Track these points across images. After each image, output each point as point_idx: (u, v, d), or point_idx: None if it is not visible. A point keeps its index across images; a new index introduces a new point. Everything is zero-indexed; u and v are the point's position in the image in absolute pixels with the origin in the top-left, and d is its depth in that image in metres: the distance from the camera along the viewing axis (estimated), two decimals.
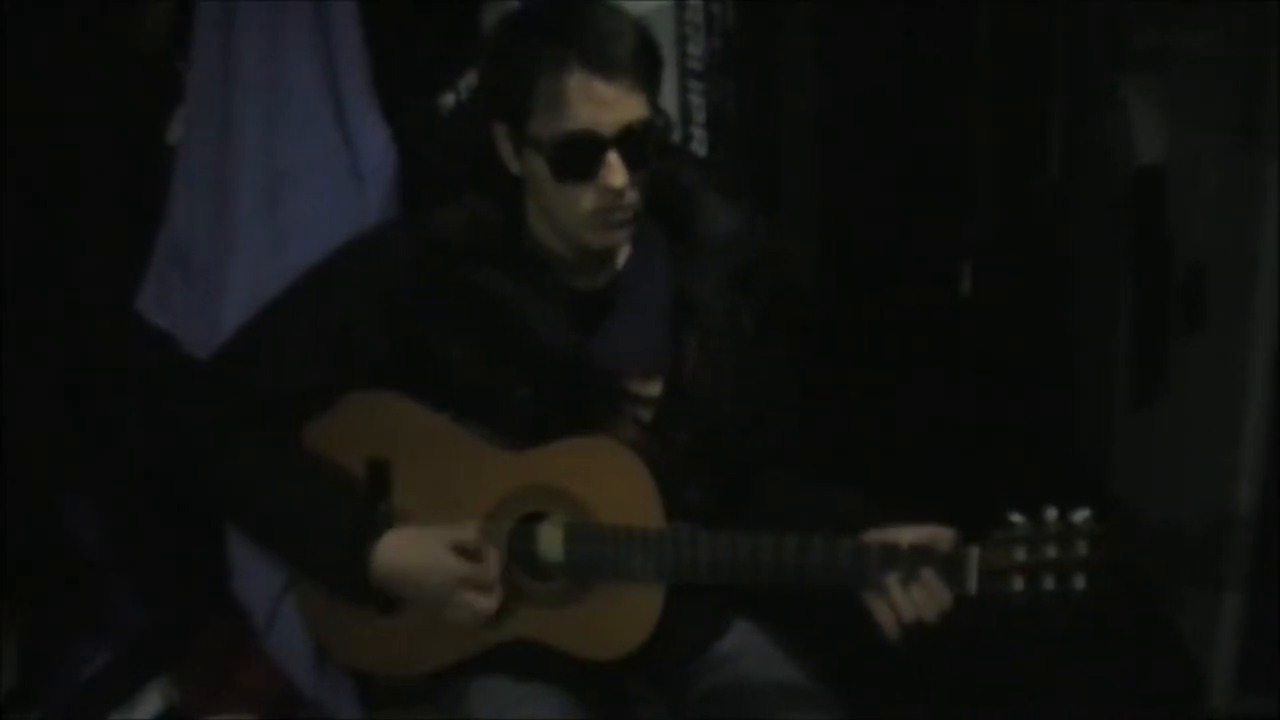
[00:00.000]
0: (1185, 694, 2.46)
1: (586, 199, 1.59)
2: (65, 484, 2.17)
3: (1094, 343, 3.22)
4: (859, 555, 1.59)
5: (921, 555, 1.58)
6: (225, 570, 2.03)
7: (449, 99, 2.05)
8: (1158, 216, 2.74)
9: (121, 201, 2.12)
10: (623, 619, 1.67)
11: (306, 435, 1.73)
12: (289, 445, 1.72)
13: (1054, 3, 3.28)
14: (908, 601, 1.58)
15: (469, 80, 2.04)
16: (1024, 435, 3.17)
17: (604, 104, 1.55)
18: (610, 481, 1.65)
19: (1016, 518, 1.57)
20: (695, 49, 2.16)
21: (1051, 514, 1.56)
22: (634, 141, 1.57)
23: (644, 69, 1.59)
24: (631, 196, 1.60)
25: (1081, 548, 1.55)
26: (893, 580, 1.58)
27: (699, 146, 2.18)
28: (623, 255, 1.72)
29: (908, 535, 1.60)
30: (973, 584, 1.57)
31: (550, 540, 1.67)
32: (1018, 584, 1.56)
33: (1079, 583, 1.55)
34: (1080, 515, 1.55)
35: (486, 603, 1.66)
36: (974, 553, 1.57)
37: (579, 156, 1.57)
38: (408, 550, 1.67)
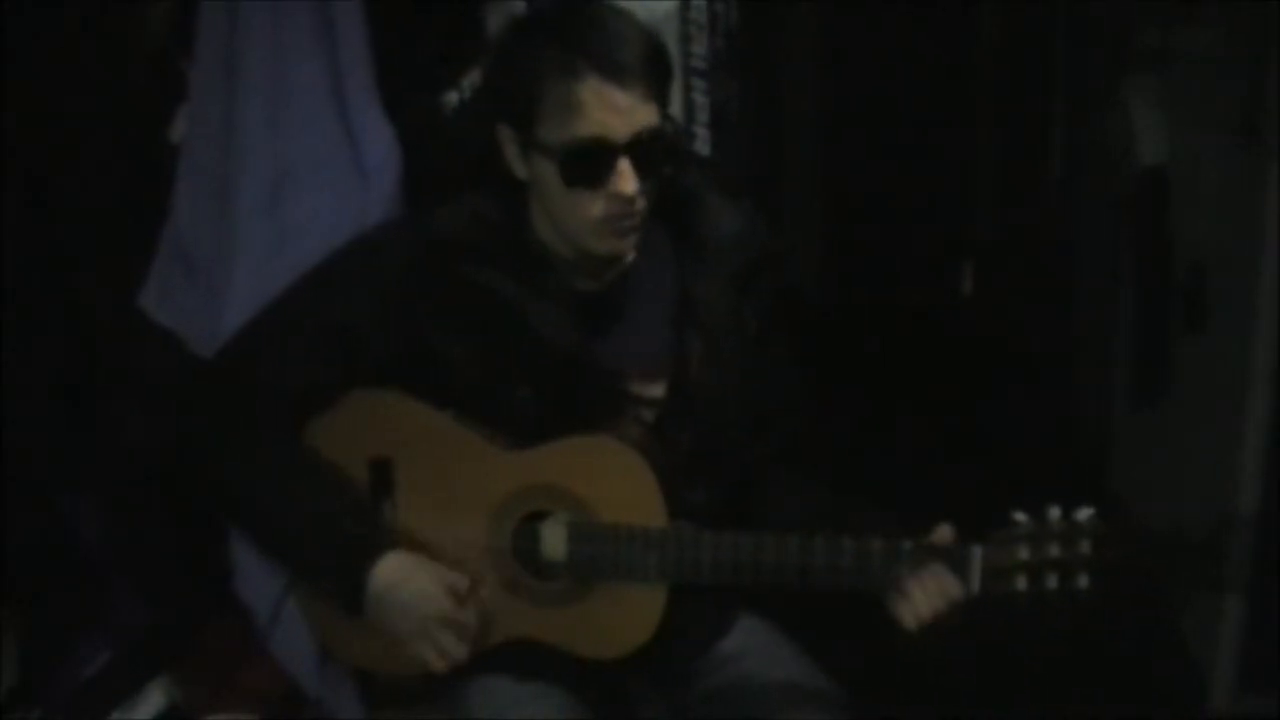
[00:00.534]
0: (1186, 694, 2.46)
1: (596, 206, 1.59)
2: (67, 482, 2.17)
3: (1096, 342, 3.22)
4: (861, 555, 1.59)
5: (924, 554, 1.58)
6: (227, 569, 2.03)
7: (452, 98, 2.05)
8: (1159, 217, 2.74)
9: (124, 200, 2.12)
10: (625, 618, 1.67)
11: (309, 434, 1.72)
12: (292, 444, 1.72)
13: (1055, 3, 3.28)
14: (925, 597, 1.57)
15: (472, 79, 2.04)
16: (1025, 435, 3.17)
17: (616, 110, 1.55)
18: (613, 481, 1.65)
19: (1019, 517, 1.57)
20: (699, 48, 2.16)
21: (1054, 513, 1.56)
22: (645, 149, 1.57)
23: (654, 76, 1.58)
24: (641, 204, 1.60)
25: (1085, 547, 1.55)
26: (909, 577, 1.57)
27: (702, 146, 2.18)
28: (627, 256, 1.71)
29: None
30: (976, 583, 1.57)
31: (553, 539, 1.67)
32: (1021, 583, 1.56)
33: (1082, 582, 1.55)
34: (1084, 514, 1.55)
35: (458, 650, 1.66)
36: (977, 552, 1.57)
37: (590, 163, 1.57)
38: (404, 574, 1.66)
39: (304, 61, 1.89)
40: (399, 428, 1.71)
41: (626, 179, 1.57)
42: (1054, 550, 1.55)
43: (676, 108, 2.13)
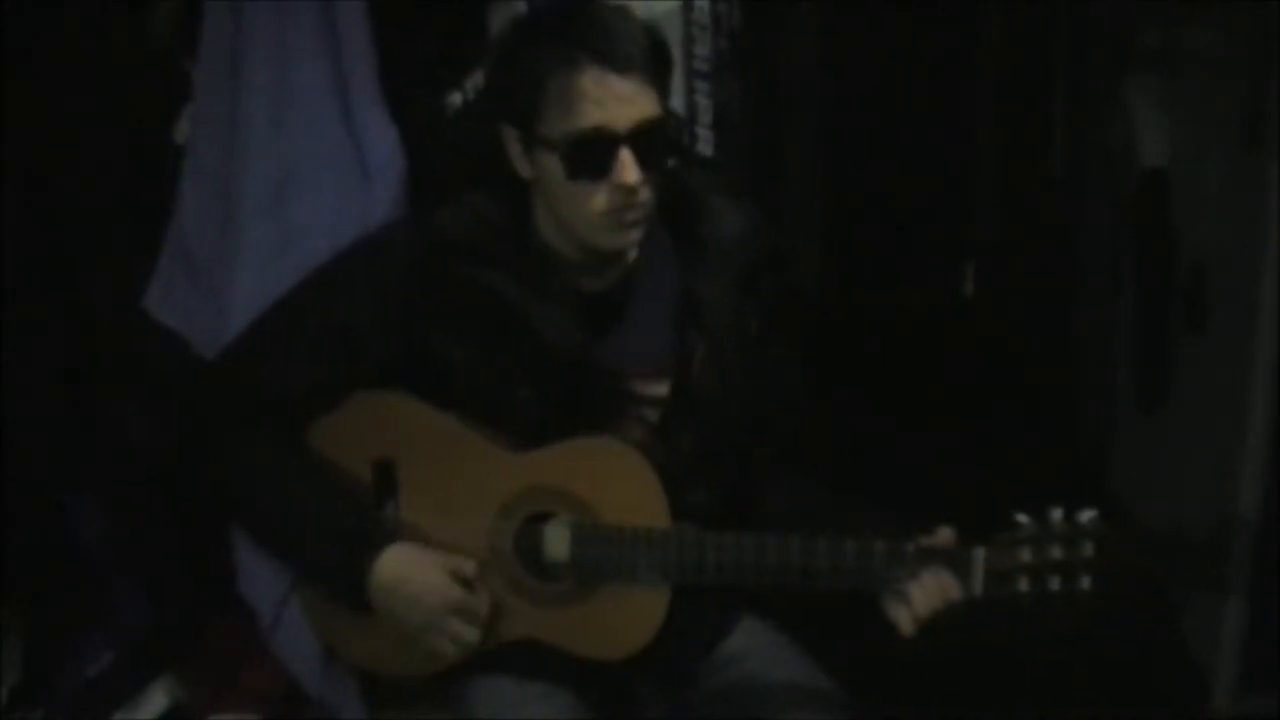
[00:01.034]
0: (1187, 695, 2.46)
1: (599, 198, 1.59)
2: (69, 482, 2.17)
3: (1096, 343, 3.22)
4: (864, 557, 1.59)
5: (927, 555, 1.58)
6: (230, 569, 2.03)
7: (455, 99, 2.05)
8: (1160, 217, 2.74)
9: (128, 200, 2.13)
10: (628, 619, 1.67)
11: (312, 435, 1.73)
12: (295, 445, 1.72)
13: (1056, 3, 3.28)
14: (923, 598, 1.58)
15: (476, 80, 2.04)
16: (1027, 435, 3.17)
17: (617, 100, 1.55)
18: (616, 482, 1.65)
19: (1022, 518, 1.57)
20: (702, 50, 2.16)
21: (1057, 515, 1.56)
22: (646, 139, 1.57)
23: (655, 68, 1.59)
24: (644, 195, 1.60)
25: (1087, 548, 1.55)
26: (905, 577, 1.58)
27: (705, 147, 2.19)
28: (630, 257, 1.71)
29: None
30: (978, 585, 1.57)
31: (556, 540, 1.67)
32: (1023, 585, 1.56)
33: (1084, 583, 1.55)
34: (1086, 515, 1.55)
35: (471, 635, 1.67)
36: (979, 553, 1.57)
37: (592, 154, 1.57)
38: (409, 567, 1.67)
39: (308, 62, 1.89)
40: (402, 429, 1.71)
41: (629, 169, 1.57)
42: (1056, 552, 1.55)
43: (680, 109, 2.14)
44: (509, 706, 1.71)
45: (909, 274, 3.58)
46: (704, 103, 2.18)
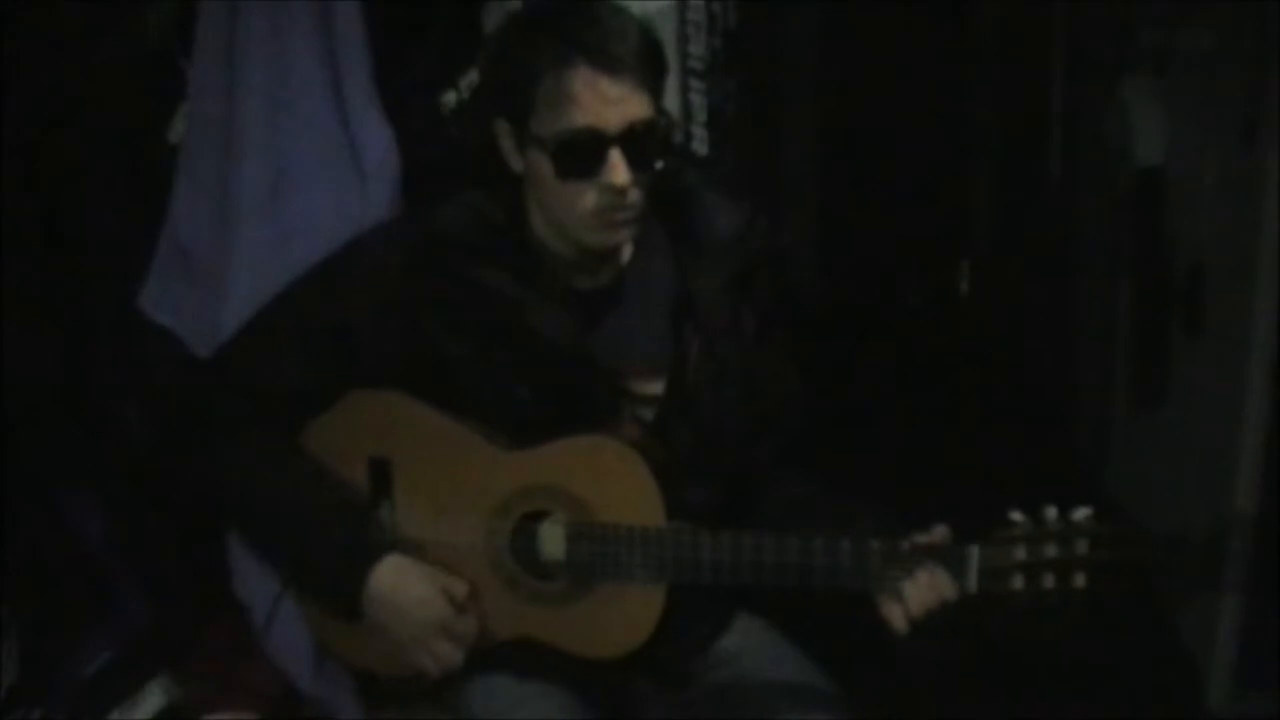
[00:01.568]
0: (1184, 694, 2.47)
1: (588, 197, 1.59)
2: (68, 481, 2.17)
3: (1094, 343, 3.22)
4: (860, 555, 1.59)
5: (922, 553, 1.59)
6: (228, 568, 2.03)
7: (450, 97, 2.05)
8: (1157, 217, 2.74)
9: (124, 199, 2.13)
10: (624, 618, 1.67)
11: (308, 434, 1.73)
12: (290, 444, 1.72)
13: (1055, 3, 3.28)
14: (917, 595, 1.58)
15: (470, 79, 2.04)
16: (1023, 435, 3.17)
17: (608, 101, 1.55)
18: (612, 481, 1.65)
19: (1017, 516, 1.57)
20: (696, 48, 2.17)
21: (1052, 513, 1.56)
22: (637, 140, 1.57)
23: (648, 69, 1.59)
24: (634, 196, 1.60)
25: (1082, 546, 1.55)
26: (900, 576, 1.58)
27: (700, 146, 2.19)
28: (625, 254, 1.72)
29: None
30: (973, 583, 1.57)
31: (552, 539, 1.67)
32: (1018, 583, 1.56)
33: (1079, 581, 1.56)
34: (1081, 514, 1.55)
35: (455, 657, 1.67)
36: (974, 551, 1.57)
37: (582, 154, 1.57)
38: (403, 581, 1.67)
39: (303, 62, 1.89)
40: (397, 428, 1.71)
41: (618, 170, 1.57)
42: (1051, 550, 1.55)
43: (674, 108, 2.14)
44: (506, 705, 1.71)
45: (905, 273, 3.58)
46: (699, 101, 2.18)
